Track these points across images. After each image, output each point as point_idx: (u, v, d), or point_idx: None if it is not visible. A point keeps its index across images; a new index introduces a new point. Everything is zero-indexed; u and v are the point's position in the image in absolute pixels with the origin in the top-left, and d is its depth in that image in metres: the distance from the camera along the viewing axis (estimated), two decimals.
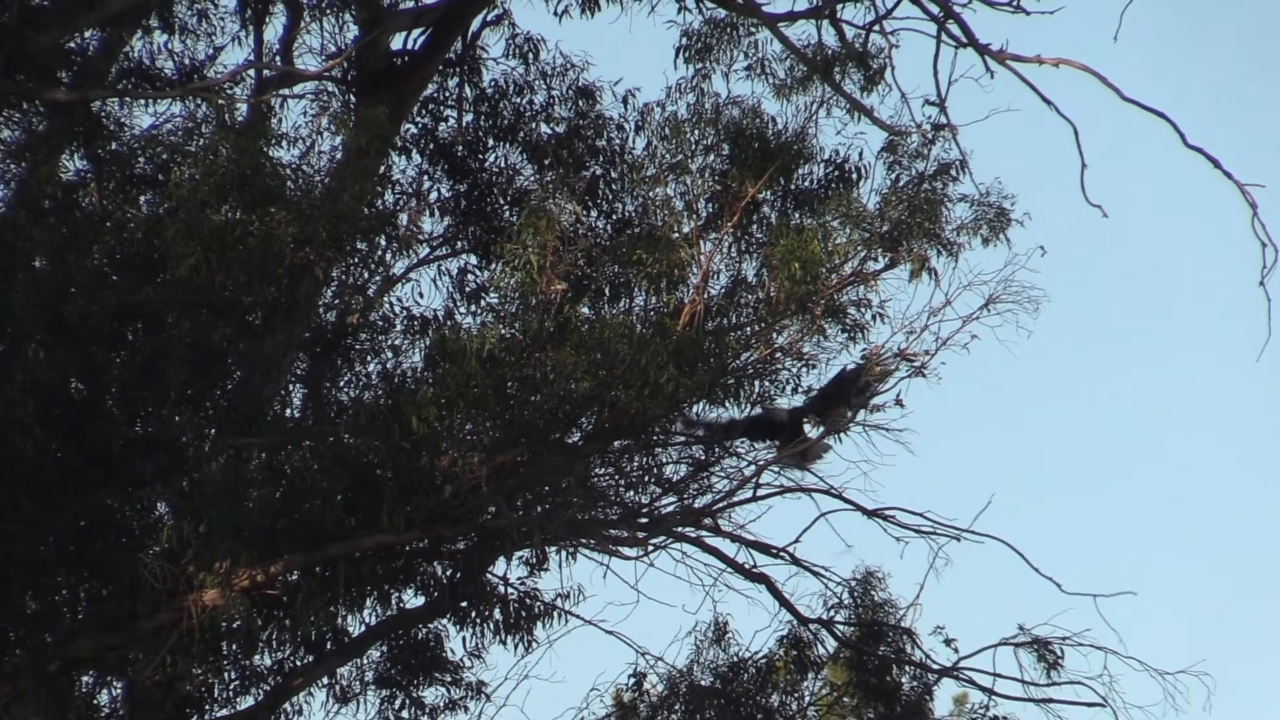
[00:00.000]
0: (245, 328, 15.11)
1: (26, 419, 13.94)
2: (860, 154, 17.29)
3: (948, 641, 17.33)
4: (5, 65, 15.23)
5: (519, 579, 16.83)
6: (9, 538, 13.95)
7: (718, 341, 15.71)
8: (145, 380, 14.51)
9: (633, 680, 17.54)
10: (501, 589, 16.77)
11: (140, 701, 15.02)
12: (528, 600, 16.82)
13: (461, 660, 17.31)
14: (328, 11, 18.68)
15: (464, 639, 17.06)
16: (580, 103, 18.57)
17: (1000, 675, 17.08)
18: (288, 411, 16.35)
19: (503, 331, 15.22)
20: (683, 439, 16.36)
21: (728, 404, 16.07)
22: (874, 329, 16.50)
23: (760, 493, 16.56)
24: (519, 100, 18.73)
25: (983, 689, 17.29)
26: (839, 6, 18.48)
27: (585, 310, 15.79)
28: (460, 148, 18.65)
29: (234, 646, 15.82)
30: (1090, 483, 40.55)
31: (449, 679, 17.30)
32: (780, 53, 18.47)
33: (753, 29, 18.47)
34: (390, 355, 16.79)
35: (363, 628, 16.42)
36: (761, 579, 17.02)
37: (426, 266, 18.20)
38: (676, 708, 17.42)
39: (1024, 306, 16.18)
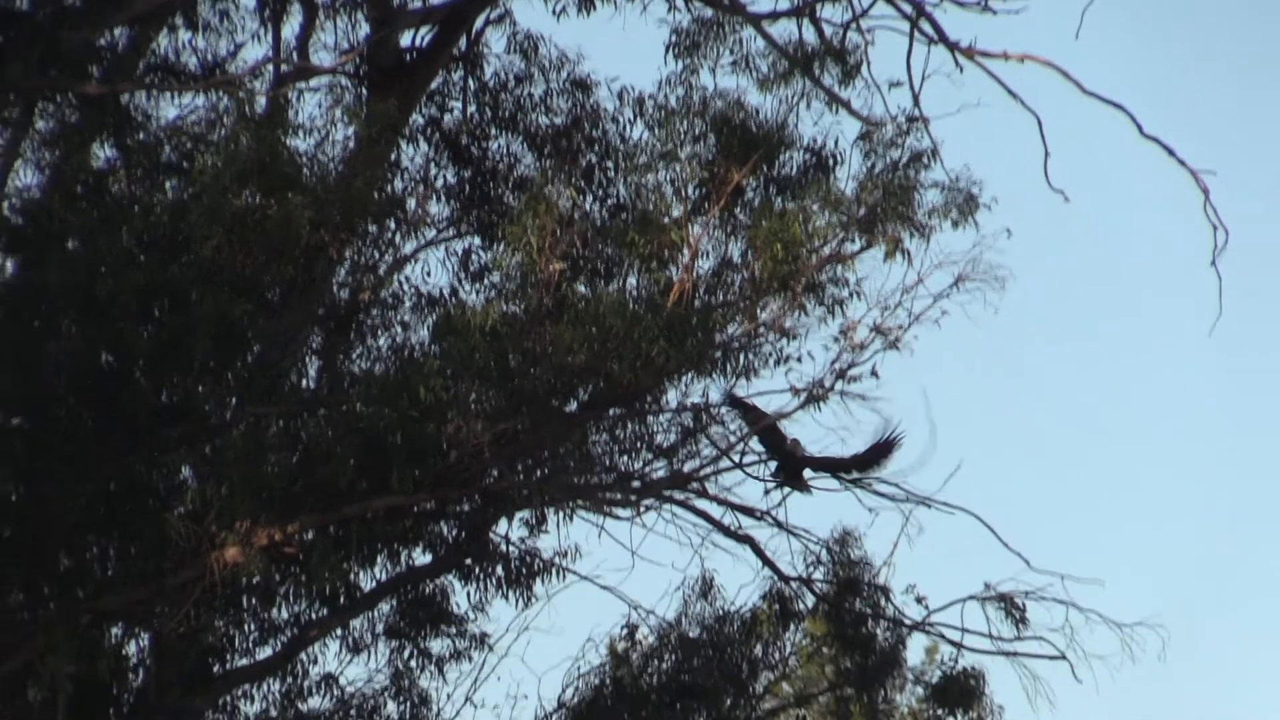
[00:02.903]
0: (264, 305, 15.10)
1: (60, 390, 14.08)
2: (838, 142, 17.31)
3: (919, 599, 17.39)
4: (40, 61, 15.28)
5: (520, 538, 16.95)
6: (44, 500, 14.03)
7: (705, 317, 15.68)
8: (171, 353, 14.53)
9: (626, 632, 17.65)
10: (503, 547, 16.88)
11: (166, 652, 15.06)
12: (528, 558, 16.92)
13: (466, 613, 17.40)
14: (341, 10, 18.62)
15: (468, 594, 17.18)
16: (577, 94, 18.55)
17: (968, 630, 17.15)
18: (304, 382, 16.33)
19: (505, 308, 15.26)
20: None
21: (714, 375, 16.08)
22: (851, 305, 16.48)
23: (745, 459, 16.63)
24: (519, 92, 18.71)
25: (952, 642, 17.37)
26: (818, 5, 18.51)
27: (582, 288, 15.82)
28: (464, 137, 18.65)
29: (253, 600, 15.92)
30: (1054, 445, 40.62)
31: (454, 631, 17.38)
32: (763, 49, 18.51)
33: (738, 26, 18.47)
34: (400, 330, 16.77)
35: (374, 583, 16.48)
36: (746, 539, 17.04)
37: (433, 247, 18.14)
38: (667, 657, 17.47)
39: (991, 284, 16.23)
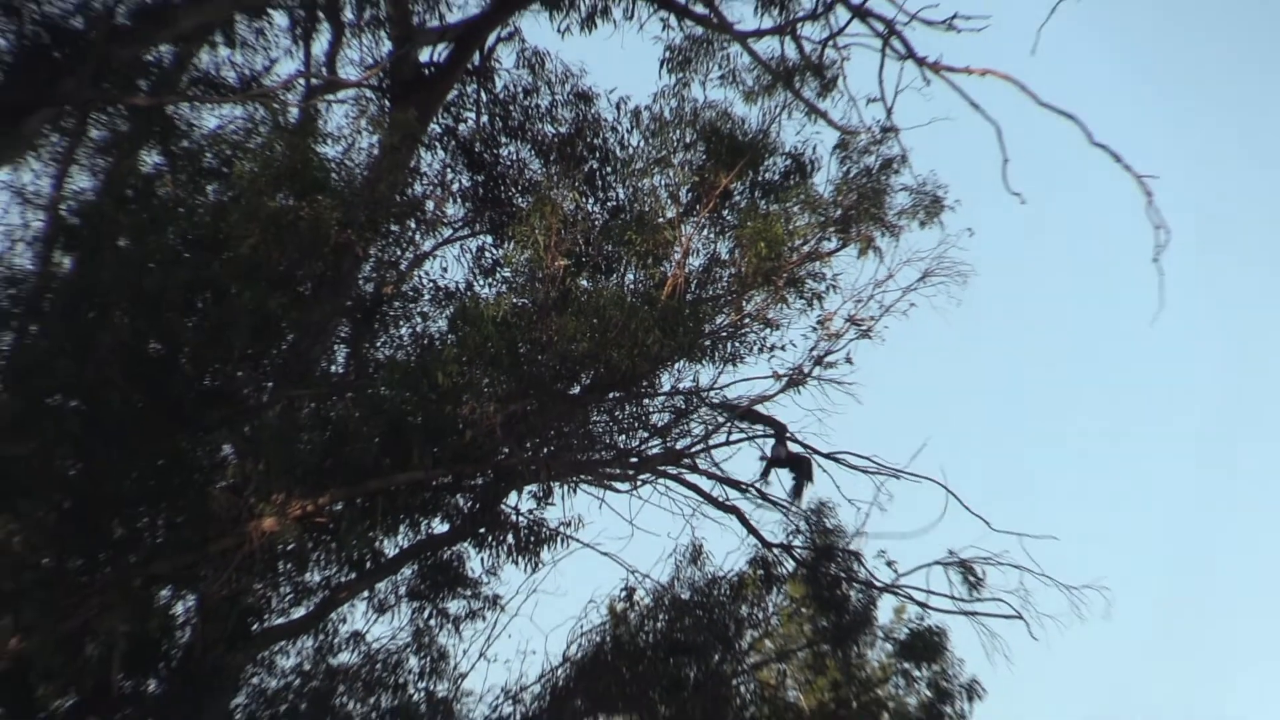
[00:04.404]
0: (297, 298, 15.12)
1: (113, 375, 14.01)
2: (816, 150, 17.51)
3: (889, 563, 17.38)
4: (93, 75, 15.25)
5: (528, 509, 17.01)
6: (100, 475, 14.01)
7: (696, 309, 15.77)
8: (213, 342, 14.58)
9: (624, 594, 17.67)
10: (513, 518, 16.91)
11: (210, 612, 15.06)
12: (535, 527, 16.96)
13: (480, 577, 17.49)
14: (366, 29, 18.77)
15: (482, 559, 17.27)
16: (579, 105, 18.61)
17: (933, 592, 17.13)
18: (333, 368, 16.41)
19: (514, 300, 15.31)
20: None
21: (704, 362, 16.17)
22: (828, 298, 16.61)
23: (732, 437, 16.65)
24: (527, 103, 18.83)
25: (918, 603, 17.39)
26: (799, 25, 18.59)
27: (584, 282, 15.86)
28: (478, 144, 18.77)
29: (288, 565, 15.96)
30: (1012, 422, 40.90)
31: (469, 593, 17.47)
32: (749, 64, 18.77)
33: (725, 44, 18.66)
34: (419, 320, 16.89)
35: (397, 550, 16.57)
36: (732, 510, 17.10)
37: (450, 245, 18.30)
38: (661, 617, 17.53)
39: (954, 279, 16.37)
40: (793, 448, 16.72)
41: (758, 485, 16.80)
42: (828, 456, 16.92)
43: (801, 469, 16.67)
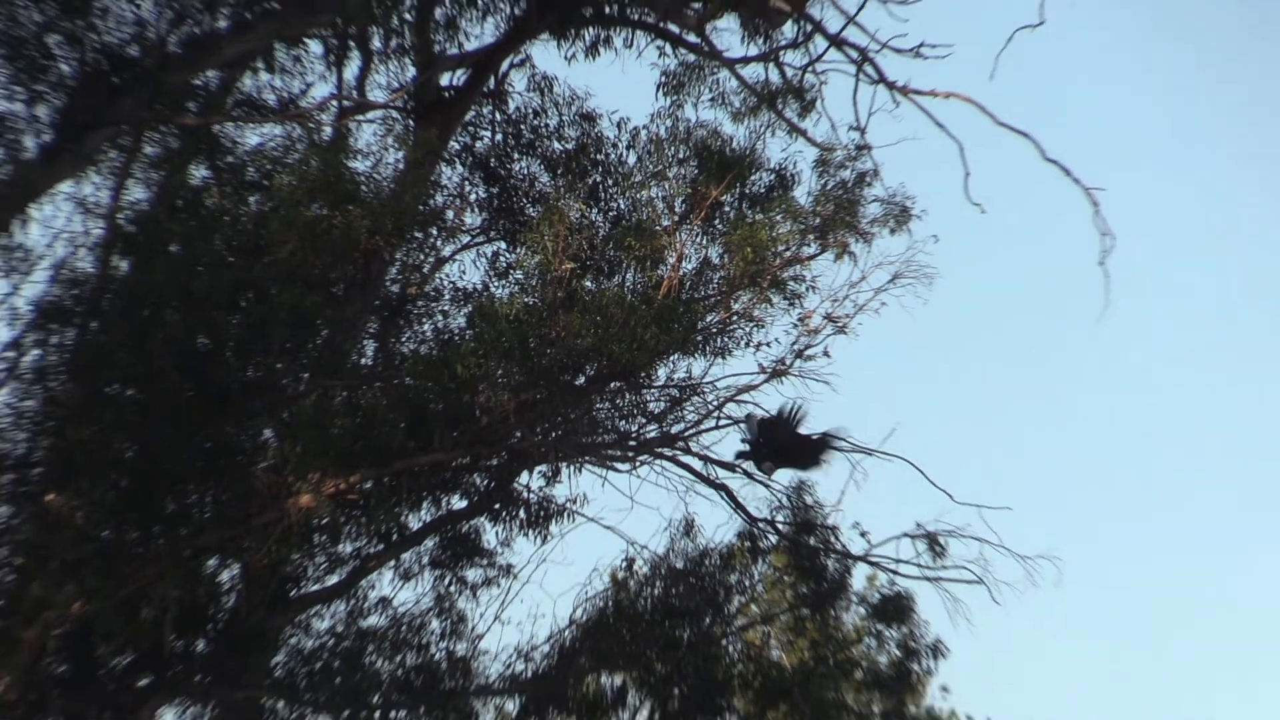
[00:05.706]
0: (331, 297, 15.21)
1: (166, 367, 14.13)
2: (797, 165, 17.63)
3: (862, 534, 17.46)
4: (148, 98, 15.35)
5: (538, 487, 17.15)
6: (154, 457, 14.12)
7: (689, 307, 15.88)
8: (255, 338, 14.68)
9: (624, 564, 17.80)
10: (525, 495, 17.08)
11: (253, 579, 15.20)
12: (545, 503, 17.09)
13: (495, 548, 17.60)
14: (392, 57, 18.82)
15: (496, 532, 17.40)
16: (584, 125, 18.73)
17: (902, 560, 17.12)
18: (363, 361, 16.48)
19: (525, 300, 15.41)
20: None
21: (696, 355, 16.27)
22: (807, 298, 16.72)
23: (721, 423, 16.71)
24: (537, 123, 18.93)
25: (889, 571, 17.39)
26: (781, 52, 18.72)
27: (588, 284, 15.98)
28: (493, 160, 18.87)
29: (323, 538, 16.08)
30: (972, 408, 41.09)
31: (485, 562, 17.56)
32: (736, 87, 18.90)
33: (715, 70, 18.79)
34: (440, 318, 16.96)
35: (420, 524, 16.71)
36: (722, 488, 17.13)
37: (468, 251, 18.41)
38: (657, 584, 17.64)
39: (921, 280, 16.44)
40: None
41: (744, 467, 16.85)
42: (807, 438, 16.87)
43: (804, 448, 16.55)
